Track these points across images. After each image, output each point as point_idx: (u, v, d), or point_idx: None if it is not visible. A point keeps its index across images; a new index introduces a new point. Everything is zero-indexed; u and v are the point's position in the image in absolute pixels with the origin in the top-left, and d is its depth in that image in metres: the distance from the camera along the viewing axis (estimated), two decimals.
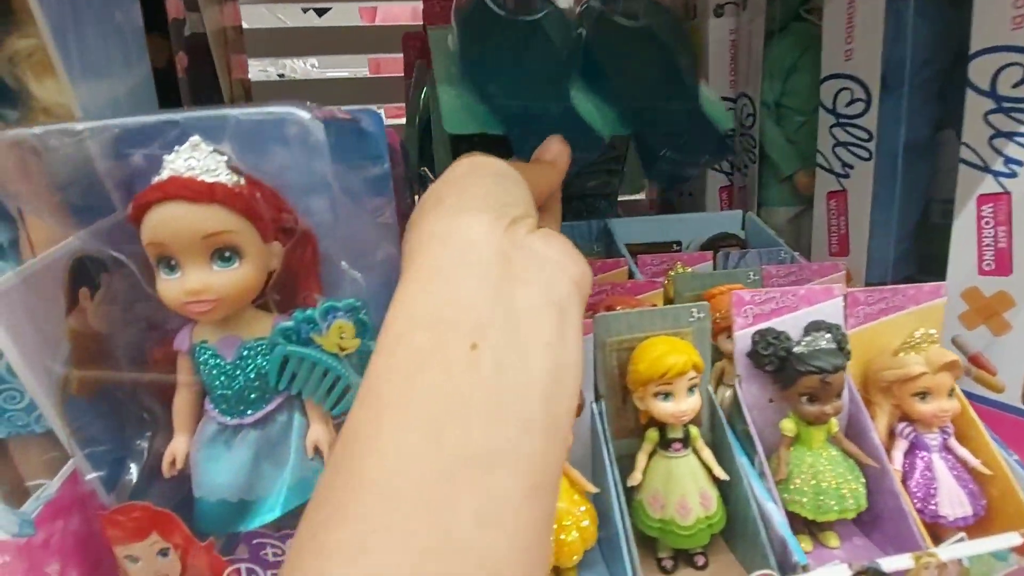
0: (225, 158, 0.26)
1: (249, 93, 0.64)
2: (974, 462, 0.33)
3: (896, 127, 0.47)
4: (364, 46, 1.00)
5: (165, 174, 0.26)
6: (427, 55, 0.67)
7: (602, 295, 0.40)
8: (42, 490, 0.26)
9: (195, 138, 0.26)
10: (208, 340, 0.28)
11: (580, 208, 0.64)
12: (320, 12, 1.38)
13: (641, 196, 0.85)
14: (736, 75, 0.62)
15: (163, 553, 0.27)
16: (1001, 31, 0.39)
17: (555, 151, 0.29)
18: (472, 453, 0.16)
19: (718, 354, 0.38)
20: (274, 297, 0.29)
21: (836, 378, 0.31)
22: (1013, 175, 0.40)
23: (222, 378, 0.28)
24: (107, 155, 0.26)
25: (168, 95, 0.45)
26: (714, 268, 0.50)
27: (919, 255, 0.53)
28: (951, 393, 0.33)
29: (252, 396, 0.29)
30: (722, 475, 0.31)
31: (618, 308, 0.36)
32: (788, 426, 0.33)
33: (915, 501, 0.33)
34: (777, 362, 0.33)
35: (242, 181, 0.26)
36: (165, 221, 0.25)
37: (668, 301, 0.43)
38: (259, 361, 0.28)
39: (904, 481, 0.33)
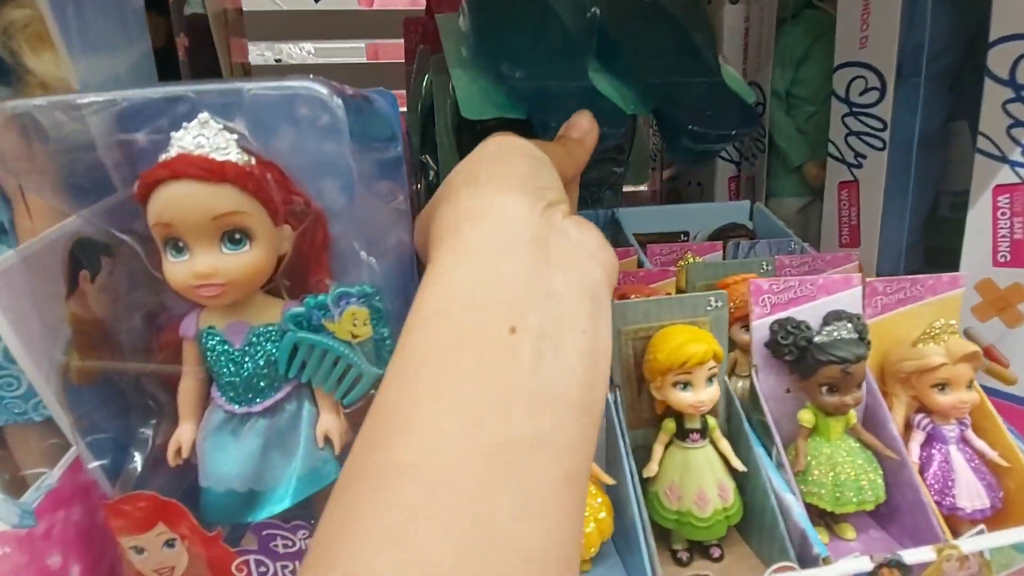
0: (235, 136, 0.25)
1: (250, 77, 0.62)
2: (992, 454, 0.33)
3: (911, 117, 0.47)
4: (363, 31, 0.99)
5: (173, 151, 0.25)
6: (429, 40, 0.66)
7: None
8: (43, 479, 0.25)
9: (204, 115, 0.25)
10: (216, 326, 0.27)
11: (584, 197, 0.63)
12: None
13: (643, 187, 0.85)
14: (747, 63, 0.61)
15: (169, 544, 0.27)
16: (1022, 19, 0.38)
17: (584, 127, 0.28)
18: (510, 440, 0.16)
19: (731, 344, 0.37)
20: (284, 282, 0.29)
21: (857, 368, 0.31)
22: None
23: (230, 365, 0.27)
24: (112, 130, 0.25)
25: (166, 76, 0.44)
26: (724, 258, 0.50)
27: (927, 247, 0.53)
28: (970, 384, 0.33)
29: (261, 384, 0.28)
30: (740, 466, 0.31)
31: (632, 297, 0.35)
32: (806, 417, 0.33)
33: (932, 493, 0.33)
34: (797, 352, 0.32)
35: (252, 161, 0.25)
36: (173, 200, 0.24)
37: (680, 291, 0.43)
38: (268, 348, 0.27)
39: (921, 473, 0.33)
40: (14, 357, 0.27)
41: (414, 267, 0.32)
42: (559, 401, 0.17)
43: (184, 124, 0.25)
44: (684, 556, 0.31)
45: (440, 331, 0.17)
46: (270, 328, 0.27)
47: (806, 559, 0.28)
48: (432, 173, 0.61)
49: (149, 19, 0.39)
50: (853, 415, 0.33)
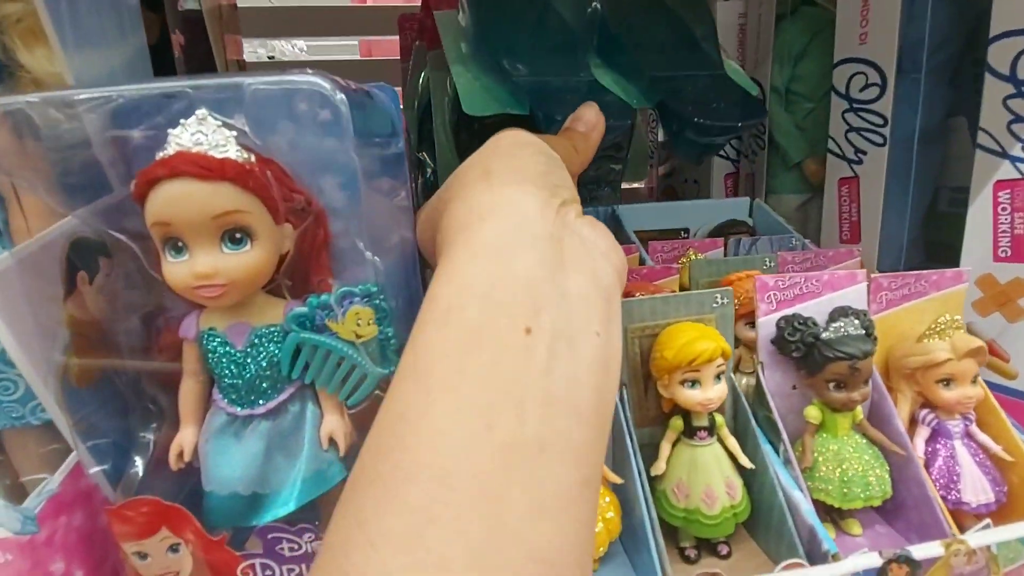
0: (234, 133, 0.25)
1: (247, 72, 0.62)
2: (996, 448, 0.33)
3: (911, 113, 0.47)
4: (357, 27, 0.98)
5: (171, 149, 0.24)
6: (425, 37, 0.66)
7: None
8: (44, 485, 0.25)
9: (202, 111, 0.25)
10: (217, 327, 0.27)
11: (583, 195, 0.63)
12: None
13: (640, 184, 0.85)
14: (744, 59, 0.61)
15: (173, 549, 0.26)
16: (1022, 15, 0.38)
17: (591, 121, 0.27)
18: (525, 441, 0.16)
19: (735, 341, 0.37)
20: (285, 282, 0.28)
21: (864, 364, 0.31)
22: None
23: (232, 367, 0.27)
24: (108, 127, 0.24)
25: (161, 73, 0.43)
26: (725, 255, 0.49)
27: (927, 243, 0.53)
28: (975, 380, 0.33)
29: (263, 385, 0.27)
30: (748, 464, 0.31)
31: (637, 294, 0.35)
32: (813, 413, 0.33)
33: (938, 488, 0.33)
34: (804, 348, 0.32)
35: (252, 158, 0.25)
36: (172, 199, 0.24)
37: (683, 288, 0.42)
38: (271, 349, 0.27)
39: (926, 468, 0.33)
40: (12, 360, 0.27)
41: (417, 264, 0.32)
42: (573, 403, 0.17)
43: (182, 121, 0.24)
44: (692, 554, 0.31)
45: (455, 328, 0.17)
46: (272, 329, 0.27)
47: (815, 555, 0.28)
48: (429, 170, 0.60)
49: (143, 15, 0.39)
50: (860, 411, 0.33)
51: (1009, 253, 0.41)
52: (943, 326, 0.33)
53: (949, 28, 0.46)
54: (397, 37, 0.76)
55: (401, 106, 0.68)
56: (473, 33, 0.41)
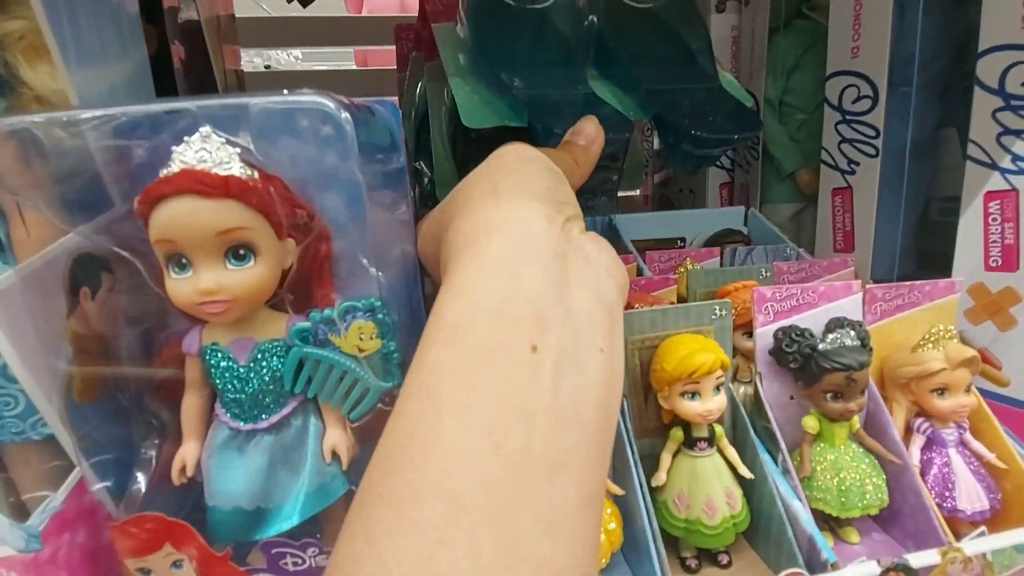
0: (238, 150, 0.25)
1: (243, 84, 0.62)
2: (990, 456, 0.34)
3: (903, 124, 0.48)
4: (352, 38, 0.99)
5: (175, 167, 0.24)
6: (422, 47, 0.66)
7: None
8: (47, 502, 0.25)
9: (206, 128, 0.25)
10: (220, 342, 0.27)
11: (580, 204, 0.64)
12: (304, 2, 1.34)
13: (636, 192, 0.85)
14: (738, 71, 0.62)
15: (177, 564, 0.26)
16: (1010, 30, 0.39)
17: (591, 134, 0.28)
18: (534, 460, 0.16)
19: (733, 350, 0.38)
20: (288, 296, 0.28)
21: (861, 375, 0.31)
22: (1021, 172, 0.40)
23: (235, 382, 0.27)
24: (113, 145, 0.24)
25: (160, 83, 0.43)
26: (721, 264, 0.50)
27: (919, 252, 0.54)
28: (968, 389, 0.34)
29: (267, 400, 0.27)
30: (748, 474, 0.31)
31: (636, 306, 0.35)
32: (810, 423, 0.33)
33: (933, 496, 0.33)
34: (801, 360, 0.32)
35: (255, 174, 0.25)
36: (176, 217, 0.24)
37: (680, 298, 0.43)
38: (274, 363, 0.27)
39: (922, 476, 0.34)
40: (14, 376, 0.27)
41: (418, 277, 0.32)
42: (578, 420, 0.17)
43: (186, 138, 0.25)
44: (693, 564, 0.32)
45: (463, 346, 0.17)
46: (275, 343, 0.27)
47: (814, 565, 0.29)
48: (426, 179, 0.61)
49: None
50: (856, 421, 0.33)
51: (1000, 263, 0.42)
52: (936, 336, 0.34)
53: (939, 43, 0.47)
54: (392, 47, 0.76)
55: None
56: (472, 46, 0.42)
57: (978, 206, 0.42)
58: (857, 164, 0.50)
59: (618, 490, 0.30)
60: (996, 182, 0.41)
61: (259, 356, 0.27)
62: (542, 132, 0.35)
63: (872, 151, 0.49)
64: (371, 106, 0.29)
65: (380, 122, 0.30)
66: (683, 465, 0.31)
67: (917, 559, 0.28)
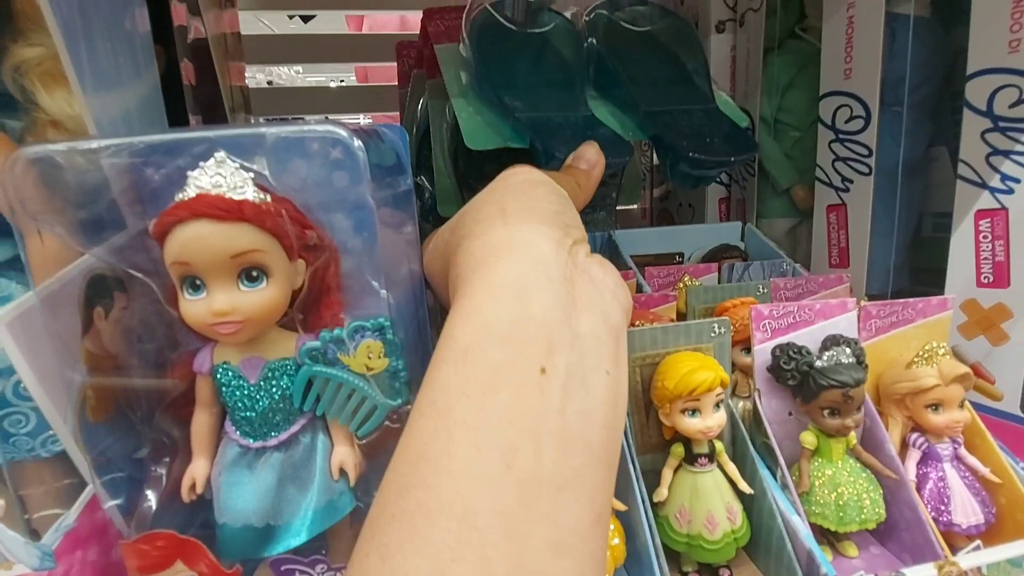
0: (251, 175, 0.26)
1: (248, 100, 0.63)
2: (984, 471, 0.34)
3: (895, 143, 0.49)
4: (353, 54, 1.00)
5: (191, 191, 0.25)
6: (423, 65, 0.67)
7: None
8: (61, 520, 0.25)
9: (220, 154, 0.26)
10: (230, 361, 0.28)
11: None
12: (305, 19, 1.36)
13: (635, 206, 0.86)
14: (735, 90, 0.63)
15: None
16: (998, 54, 0.40)
17: (592, 159, 0.29)
18: (543, 480, 0.16)
19: (731, 366, 0.38)
20: (298, 316, 0.29)
21: (857, 392, 0.32)
22: (1010, 191, 0.41)
23: (245, 400, 0.28)
24: (131, 171, 0.25)
25: (169, 102, 0.44)
26: (719, 279, 0.51)
27: (912, 267, 0.55)
28: (962, 404, 0.34)
29: (276, 418, 0.28)
30: (748, 489, 0.32)
31: (637, 323, 0.36)
32: (808, 439, 0.34)
33: (929, 510, 0.34)
34: (799, 377, 0.33)
35: (268, 198, 0.26)
36: (192, 240, 0.25)
37: (680, 313, 0.44)
38: (283, 382, 0.28)
39: (917, 490, 0.34)
40: (26, 394, 0.27)
41: (423, 295, 0.33)
42: (586, 441, 0.18)
43: (201, 164, 0.25)
44: None
45: (474, 368, 0.18)
46: (285, 362, 0.28)
47: None
48: (427, 195, 0.62)
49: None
50: (853, 436, 0.34)
51: (991, 279, 0.43)
52: (930, 353, 0.35)
53: (928, 65, 0.49)
54: (392, 63, 0.77)
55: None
56: (475, 68, 0.43)
57: (969, 224, 0.43)
58: (851, 182, 0.52)
59: (621, 506, 0.31)
60: (986, 201, 0.42)
61: (269, 375, 0.27)
62: (543, 155, 0.36)
63: (865, 169, 0.50)
64: (379, 130, 0.30)
65: (388, 146, 0.30)
66: (684, 481, 0.32)
67: (914, 573, 0.28)
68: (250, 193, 0.25)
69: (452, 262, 0.23)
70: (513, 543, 0.15)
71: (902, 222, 0.51)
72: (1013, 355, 0.42)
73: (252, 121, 0.67)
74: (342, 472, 0.28)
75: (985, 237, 0.42)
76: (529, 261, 0.20)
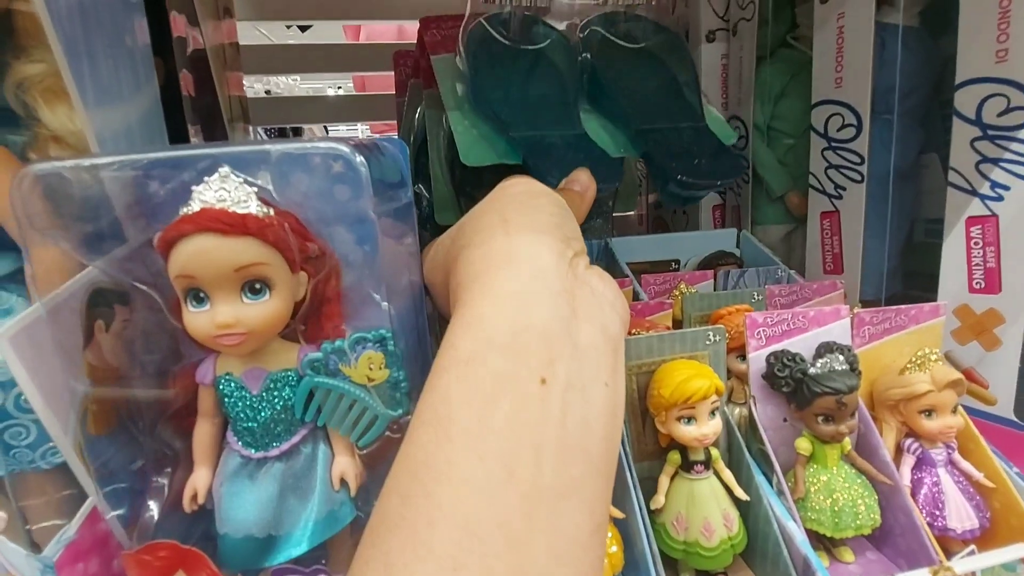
0: (255, 189, 0.26)
1: (246, 110, 0.63)
2: (978, 476, 0.35)
3: (886, 151, 0.50)
4: (351, 64, 1.00)
5: (195, 205, 0.25)
6: (421, 75, 0.68)
7: None
8: (62, 532, 0.25)
9: (224, 168, 0.26)
10: (233, 372, 0.28)
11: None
12: (303, 28, 1.37)
13: (631, 213, 0.87)
14: (727, 98, 0.64)
15: None
16: (986, 63, 0.41)
17: (585, 182, 0.29)
18: (544, 490, 0.17)
19: (727, 373, 0.39)
20: (300, 327, 0.29)
21: (851, 398, 0.33)
22: (1000, 198, 0.42)
23: (247, 411, 0.28)
24: (136, 187, 0.25)
25: (169, 114, 0.44)
26: (714, 287, 0.51)
27: (905, 272, 0.55)
28: (955, 409, 0.35)
29: (278, 428, 0.28)
30: (744, 496, 0.32)
31: (634, 331, 0.36)
32: (803, 445, 0.34)
33: (924, 515, 0.34)
34: (793, 384, 0.34)
35: (271, 212, 0.26)
36: (197, 254, 0.25)
37: (675, 321, 0.44)
38: (285, 393, 0.28)
39: (912, 495, 0.35)
40: (26, 407, 0.28)
41: (423, 304, 0.33)
42: (585, 451, 0.18)
43: (205, 178, 0.26)
44: None
45: (476, 378, 0.18)
46: (287, 373, 0.28)
47: None
48: (425, 203, 0.62)
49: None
50: (848, 442, 0.34)
51: (983, 285, 0.43)
52: (923, 359, 0.35)
53: (918, 74, 0.49)
54: (390, 72, 0.78)
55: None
56: (471, 82, 0.43)
57: (960, 231, 0.44)
58: (844, 189, 0.52)
59: (618, 513, 0.31)
60: (977, 208, 0.43)
61: (271, 385, 0.28)
62: (535, 173, 0.37)
63: (858, 176, 0.51)
64: (380, 144, 0.31)
65: (389, 160, 0.31)
66: (681, 488, 0.32)
67: None
68: (254, 207, 0.26)
69: (453, 271, 0.24)
70: (515, 552, 0.16)
71: (895, 228, 0.52)
72: (1005, 360, 0.42)
73: (250, 131, 0.68)
74: (343, 482, 0.29)
75: (976, 244, 0.43)
76: (530, 272, 0.20)
